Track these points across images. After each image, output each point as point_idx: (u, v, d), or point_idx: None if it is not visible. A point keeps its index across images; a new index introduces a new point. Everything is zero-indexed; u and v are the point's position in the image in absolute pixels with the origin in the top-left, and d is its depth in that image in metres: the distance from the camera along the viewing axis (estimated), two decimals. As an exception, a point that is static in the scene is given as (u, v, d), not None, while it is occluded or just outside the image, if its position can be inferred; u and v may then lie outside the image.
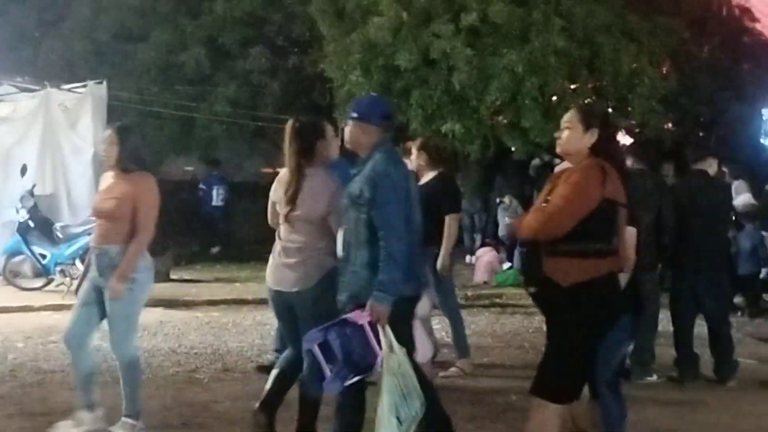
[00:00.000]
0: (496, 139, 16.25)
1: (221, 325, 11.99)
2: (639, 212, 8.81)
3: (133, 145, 6.89)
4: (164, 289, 14.59)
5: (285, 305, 6.48)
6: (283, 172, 6.49)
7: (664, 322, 10.23)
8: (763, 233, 13.63)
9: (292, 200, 6.33)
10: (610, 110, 16.79)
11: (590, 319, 5.36)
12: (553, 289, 5.39)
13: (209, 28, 19.33)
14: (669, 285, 9.74)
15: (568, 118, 5.80)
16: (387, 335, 5.66)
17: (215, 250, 19.66)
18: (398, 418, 5.63)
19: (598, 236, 5.36)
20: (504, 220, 16.40)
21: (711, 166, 9.19)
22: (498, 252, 15.76)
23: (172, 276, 15.94)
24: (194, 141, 20.02)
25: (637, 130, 17.16)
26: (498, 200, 17.29)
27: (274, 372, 6.73)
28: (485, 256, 15.31)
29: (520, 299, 13.52)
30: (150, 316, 12.45)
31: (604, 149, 5.61)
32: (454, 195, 9.23)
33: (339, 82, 16.56)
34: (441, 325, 11.69)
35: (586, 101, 16.81)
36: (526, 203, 16.59)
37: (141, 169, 6.87)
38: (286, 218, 6.38)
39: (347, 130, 6.05)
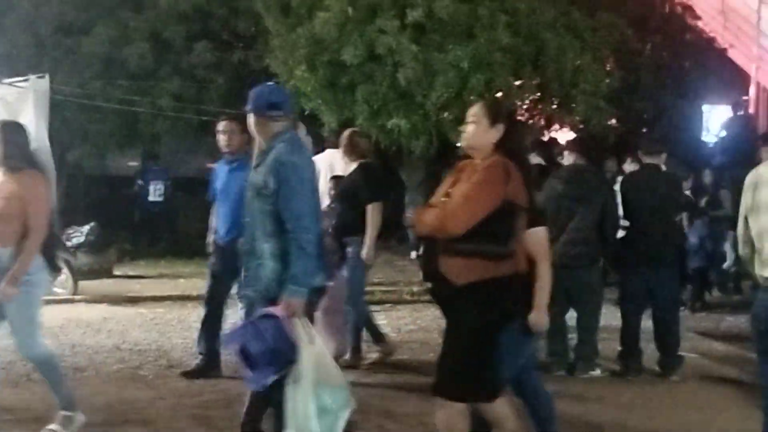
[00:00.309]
0: (442, 134, 16.27)
1: (165, 321, 11.92)
2: (580, 208, 8.94)
3: (20, 143, 6.68)
4: (108, 286, 14.51)
5: None
6: None
7: (608, 316, 10.36)
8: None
9: None
10: (554, 106, 16.93)
11: (482, 319, 5.31)
12: (447, 287, 5.34)
13: (153, 23, 19.15)
14: (613, 279, 9.85)
15: (474, 112, 5.68)
16: (305, 328, 5.63)
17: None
18: (325, 408, 5.60)
19: (495, 238, 5.28)
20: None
21: (663, 161, 9.30)
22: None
23: (116, 272, 15.82)
24: (138, 136, 19.82)
25: (580, 126, 17.26)
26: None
27: None
28: (431, 251, 15.32)
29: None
30: (93, 312, 12.37)
31: (510, 146, 5.52)
32: (376, 184, 9.26)
33: (284, 77, 16.48)
34: (387, 321, 11.71)
35: (531, 97, 16.93)
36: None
37: (31, 167, 6.65)
38: None
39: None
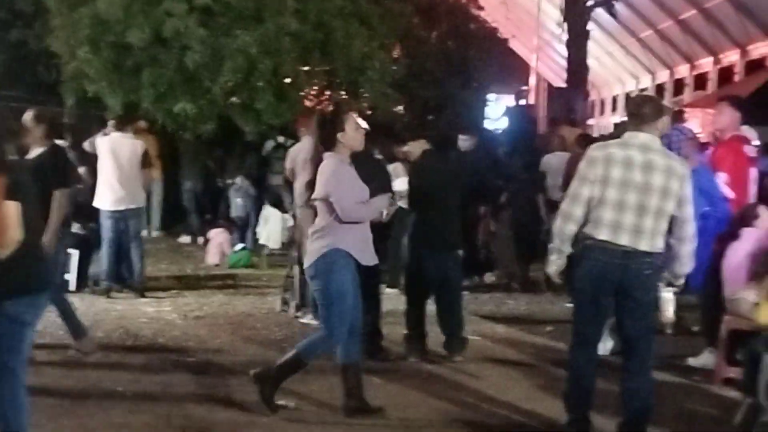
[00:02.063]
0: (229, 120, 16.14)
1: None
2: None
3: None
4: None
5: None
6: None
7: (394, 300, 10.50)
8: None
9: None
10: (342, 93, 17.04)
11: None
12: None
13: (-77, -1, 18.27)
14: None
15: None
16: None
17: None
18: None
19: None
20: (236, 201, 16.31)
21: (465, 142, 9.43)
22: (230, 233, 15.65)
23: None
24: None
25: (368, 113, 17.44)
26: (230, 181, 17.19)
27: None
28: (217, 237, 15.17)
29: (252, 280, 13.51)
30: None
31: None
32: (63, 169, 8.92)
33: (66, 58, 15.99)
34: (172, 307, 11.54)
35: (319, 84, 17.00)
36: (258, 185, 16.58)
37: None
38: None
39: None
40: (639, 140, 6.32)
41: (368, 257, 7.18)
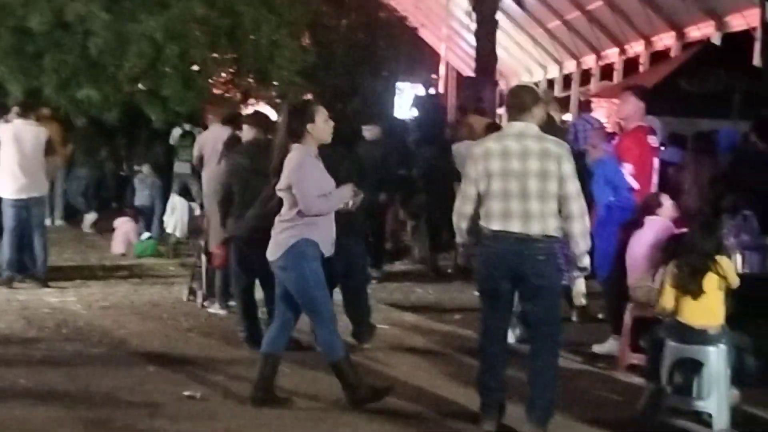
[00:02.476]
0: (135, 106, 15.93)
1: None
2: (263, 182, 8.94)
3: None
4: None
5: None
6: None
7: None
8: None
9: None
10: (251, 80, 16.94)
11: None
12: None
13: None
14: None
15: None
16: None
17: None
18: None
19: None
20: (142, 190, 16.08)
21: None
22: (137, 222, 15.44)
23: None
24: None
25: (277, 101, 17.37)
26: (136, 168, 16.97)
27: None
28: (123, 226, 14.94)
29: (159, 270, 13.35)
30: None
31: None
32: None
33: (-36, 43, 15.63)
34: (77, 298, 11.37)
35: (228, 71, 16.87)
36: (165, 173, 16.40)
37: None
38: None
39: None
40: (514, 129, 6.56)
41: (329, 248, 7.23)
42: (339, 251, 9.07)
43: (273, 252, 7.06)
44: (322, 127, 7.10)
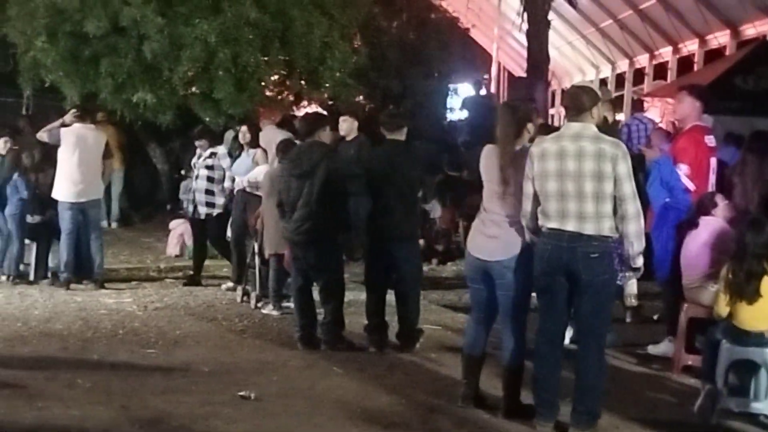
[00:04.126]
0: (189, 110, 16.04)
1: None
2: (306, 184, 8.99)
3: None
4: None
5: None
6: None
7: (356, 290, 10.46)
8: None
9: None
10: (302, 83, 16.98)
11: None
12: None
13: None
14: (360, 255, 9.92)
15: None
16: None
17: None
18: None
19: None
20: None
21: (403, 135, 9.40)
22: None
23: None
24: None
25: (329, 103, 17.41)
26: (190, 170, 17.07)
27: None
28: (178, 228, 15.05)
29: (213, 271, 13.43)
30: None
31: None
32: None
33: (23, 48, 15.82)
34: (133, 299, 11.48)
35: (279, 74, 16.91)
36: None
37: None
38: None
39: None
40: (571, 130, 6.57)
41: None
42: (392, 253, 9.14)
43: (505, 251, 6.89)
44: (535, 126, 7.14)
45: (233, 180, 12.31)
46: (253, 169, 11.81)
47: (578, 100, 6.60)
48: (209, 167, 12.47)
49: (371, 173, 9.22)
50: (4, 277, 12.48)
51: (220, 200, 12.45)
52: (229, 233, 12.30)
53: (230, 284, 12.14)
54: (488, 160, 7.05)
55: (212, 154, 12.56)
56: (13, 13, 15.92)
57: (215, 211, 12.46)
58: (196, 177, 12.57)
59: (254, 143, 12.29)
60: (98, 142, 12.42)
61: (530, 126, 7.00)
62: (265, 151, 12.00)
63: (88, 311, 10.73)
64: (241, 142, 12.53)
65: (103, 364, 8.41)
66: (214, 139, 13.11)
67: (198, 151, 12.83)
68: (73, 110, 12.62)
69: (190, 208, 12.74)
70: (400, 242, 9.11)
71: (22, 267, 12.60)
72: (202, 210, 12.47)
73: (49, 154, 12.50)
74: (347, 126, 12.00)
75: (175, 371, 8.19)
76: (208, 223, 12.58)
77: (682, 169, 8.78)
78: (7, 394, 7.31)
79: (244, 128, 12.66)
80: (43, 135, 12.35)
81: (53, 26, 15.24)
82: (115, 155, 16.68)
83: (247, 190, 11.78)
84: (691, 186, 8.77)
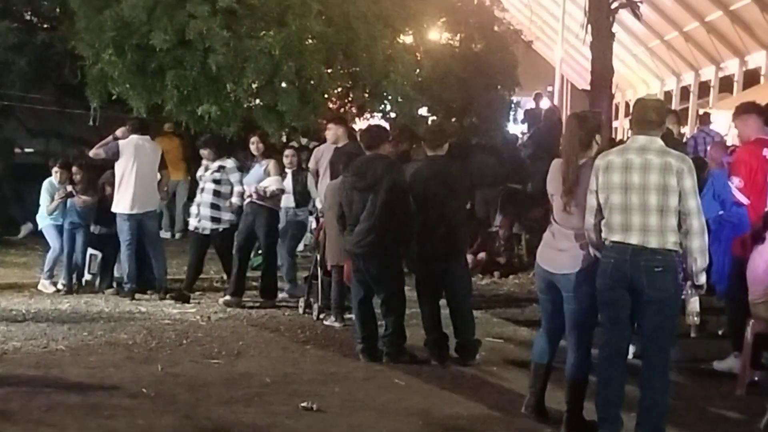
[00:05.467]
0: (253, 122, 16.15)
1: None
2: (368, 197, 8.99)
3: None
4: None
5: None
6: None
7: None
8: None
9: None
10: (366, 95, 17.04)
11: None
12: None
13: (-50, 2, 18.30)
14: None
15: None
16: None
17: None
18: None
19: None
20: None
21: (444, 151, 9.34)
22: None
23: None
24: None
25: (392, 116, 17.43)
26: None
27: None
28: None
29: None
30: None
31: None
32: None
33: (91, 61, 16.03)
34: (196, 309, 11.57)
35: (342, 86, 16.99)
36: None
37: None
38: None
39: None
40: (637, 143, 6.53)
41: None
42: (442, 268, 9.12)
43: (572, 264, 6.87)
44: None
45: (242, 195, 12.10)
46: (264, 179, 11.86)
47: (644, 113, 6.57)
48: (217, 181, 12.26)
49: (413, 192, 9.14)
50: (55, 287, 12.63)
51: (225, 215, 12.26)
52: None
53: (228, 297, 11.97)
54: (555, 174, 7.03)
55: (221, 168, 12.33)
56: (81, 27, 16.16)
57: (221, 227, 12.27)
58: (202, 190, 12.35)
59: (266, 153, 12.29)
60: (155, 153, 12.55)
61: (599, 137, 6.98)
62: (277, 162, 12.03)
63: (152, 321, 10.84)
64: (254, 153, 12.47)
65: (167, 373, 8.48)
66: (220, 149, 12.83)
67: (203, 162, 12.61)
68: (130, 123, 12.67)
69: (194, 222, 12.51)
70: (446, 260, 9.09)
71: (89, 277, 12.79)
72: (207, 225, 12.27)
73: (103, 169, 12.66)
74: (332, 134, 11.96)
75: (237, 382, 8.24)
76: (213, 239, 12.46)
77: (734, 183, 8.68)
78: (72, 403, 7.41)
79: (255, 138, 12.59)
80: (99, 152, 12.43)
81: (120, 39, 15.43)
82: (180, 167, 16.86)
83: (254, 200, 11.81)
84: (743, 200, 8.65)
